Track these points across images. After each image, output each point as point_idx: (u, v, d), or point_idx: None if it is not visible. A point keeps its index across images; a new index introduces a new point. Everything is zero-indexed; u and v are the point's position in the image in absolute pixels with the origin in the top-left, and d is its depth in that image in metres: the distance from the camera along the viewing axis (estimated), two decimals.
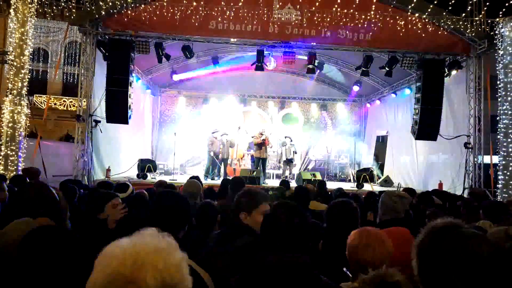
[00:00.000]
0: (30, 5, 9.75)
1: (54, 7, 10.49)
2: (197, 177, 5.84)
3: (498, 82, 9.83)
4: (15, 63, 9.63)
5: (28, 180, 4.73)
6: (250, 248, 1.89)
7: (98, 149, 10.72)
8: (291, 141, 13.62)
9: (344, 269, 2.07)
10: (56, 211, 2.21)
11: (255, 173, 11.57)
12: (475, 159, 10.30)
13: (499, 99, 9.80)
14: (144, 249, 0.93)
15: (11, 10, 9.82)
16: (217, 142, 12.85)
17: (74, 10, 10.20)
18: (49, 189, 2.27)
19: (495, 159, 10.12)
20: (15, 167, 9.51)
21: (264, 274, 1.05)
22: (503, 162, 9.57)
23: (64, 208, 2.36)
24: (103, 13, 9.77)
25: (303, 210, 2.04)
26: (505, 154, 9.55)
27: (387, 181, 13.11)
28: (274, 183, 11.56)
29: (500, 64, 9.77)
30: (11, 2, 9.77)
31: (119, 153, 12.41)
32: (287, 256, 1.77)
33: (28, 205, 2.16)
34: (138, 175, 11.60)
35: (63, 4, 10.18)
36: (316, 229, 2.93)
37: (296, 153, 13.67)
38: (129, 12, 9.79)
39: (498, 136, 9.77)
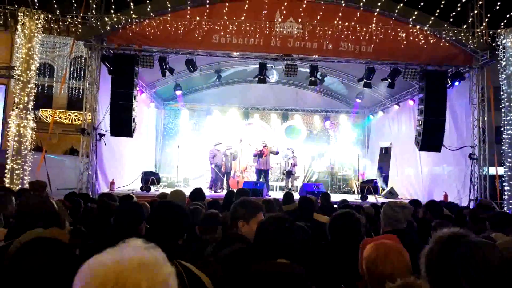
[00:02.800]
0: (37, 21, 9.94)
1: (60, 23, 10.67)
2: (200, 189, 5.85)
3: (501, 93, 9.84)
4: (21, 78, 9.78)
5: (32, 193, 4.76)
6: (238, 255, 1.94)
7: (102, 162, 10.77)
8: (293, 153, 13.63)
9: (342, 286, 2.07)
10: (55, 223, 2.23)
11: (258, 185, 11.56)
12: (481, 171, 10.22)
13: (502, 110, 9.79)
14: (127, 266, 0.85)
15: (18, 26, 10.00)
16: (219, 154, 12.88)
17: (79, 26, 10.37)
18: (49, 202, 2.30)
19: (501, 170, 10.05)
20: (20, 181, 9.57)
21: (259, 281, 1.08)
22: (509, 173, 9.52)
23: (64, 219, 2.38)
24: (108, 28, 9.93)
25: (293, 220, 2.10)
26: (510, 165, 9.50)
27: (392, 193, 13.02)
28: (278, 195, 11.53)
29: (503, 75, 9.79)
30: (19, 18, 9.96)
31: (123, 166, 12.45)
32: (281, 265, 1.80)
33: (28, 218, 2.18)
34: (141, 188, 11.61)
35: (69, 20, 10.36)
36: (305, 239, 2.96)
37: (296, 165, 13.66)
38: (133, 27, 9.93)
39: (503, 147, 9.73)
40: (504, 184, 9.73)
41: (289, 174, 13.45)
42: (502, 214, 4.78)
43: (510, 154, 9.53)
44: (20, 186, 9.50)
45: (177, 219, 2.16)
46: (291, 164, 13.44)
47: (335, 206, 6.48)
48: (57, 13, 10.28)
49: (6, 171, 9.62)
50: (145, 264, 0.87)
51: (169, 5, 9.80)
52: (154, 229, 2.16)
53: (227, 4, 9.92)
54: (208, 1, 9.92)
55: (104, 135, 10.39)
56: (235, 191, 6.86)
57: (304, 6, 10.08)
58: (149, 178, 11.79)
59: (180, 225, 2.16)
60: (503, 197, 9.72)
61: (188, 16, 9.83)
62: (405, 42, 10.02)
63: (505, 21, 9.82)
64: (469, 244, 1.28)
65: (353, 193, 14.58)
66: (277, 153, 13.36)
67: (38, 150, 11.57)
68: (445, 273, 1.27)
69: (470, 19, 10.32)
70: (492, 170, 10.61)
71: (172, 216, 2.15)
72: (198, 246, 2.83)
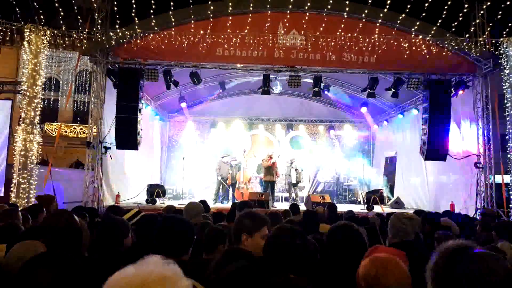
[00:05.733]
0: (43, 37, 10.08)
1: (66, 38, 10.83)
2: (204, 201, 5.86)
3: (505, 101, 9.82)
4: (28, 93, 9.88)
5: (44, 209, 4.79)
6: (242, 273, 1.89)
7: (108, 175, 10.81)
8: (291, 163, 13.65)
9: None
10: (78, 241, 2.24)
11: (264, 196, 11.53)
12: (487, 179, 10.16)
13: (507, 118, 9.76)
14: (149, 279, 0.93)
15: (25, 42, 10.15)
16: (225, 166, 12.90)
17: (85, 41, 10.52)
18: (75, 219, 2.31)
19: (507, 178, 9.98)
20: (27, 195, 9.61)
21: None
22: None
23: (86, 236, 2.40)
24: (113, 43, 10.06)
25: (304, 233, 2.03)
26: None
27: (398, 203, 12.95)
28: (283, 206, 11.49)
29: (506, 83, 9.79)
30: (25, 34, 10.11)
31: (128, 178, 12.48)
32: (290, 280, 1.77)
33: (55, 234, 2.19)
34: (147, 200, 11.63)
35: (74, 35, 10.51)
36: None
37: (302, 170, 13.63)
38: (138, 41, 10.06)
39: (509, 155, 9.68)
40: (510, 192, 9.65)
41: (296, 184, 13.42)
42: (507, 223, 4.75)
43: None
44: (26, 200, 9.54)
45: (181, 235, 2.11)
46: (301, 170, 13.42)
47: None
48: (63, 28, 10.42)
49: (12, 185, 9.68)
50: (165, 277, 0.95)
51: (173, 19, 9.93)
52: (158, 244, 2.11)
53: (230, 18, 10.05)
54: (212, 15, 10.05)
55: (109, 148, 10.45)
56: (237, 202, 6.87)
57: (307, 18, 10.18)
58: (155, 191, 11.80)
59: (185, 241, 2.12)
60: (510, 205, 9.64)
61: (192, 30, 9.96)
62: (408, 51, 10.07)
63: (507, 29, 9.86)
64: (476, 256, 1.28)
65: (359, 203, 14.50)
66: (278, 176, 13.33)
67: (44, 164, 11.64)
68: (451, 286, 1.27)
69: (472, 28, 10.36)
70: (498, 179, 10.53)
71: (176, 232, 2.11)
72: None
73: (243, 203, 5.77)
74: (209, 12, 10.00)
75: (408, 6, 9.82)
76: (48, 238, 2.14)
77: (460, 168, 10.78)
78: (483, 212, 8.66)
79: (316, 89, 11.34)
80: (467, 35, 10.29)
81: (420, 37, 10.11)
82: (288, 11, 10.19)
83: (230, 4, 10.04)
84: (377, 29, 10.11)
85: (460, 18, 9.94)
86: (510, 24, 9.67)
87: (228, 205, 11.49)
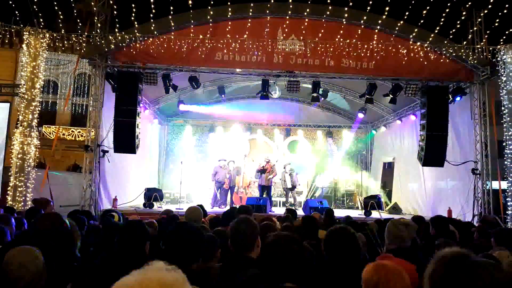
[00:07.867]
0: (42, 40, 10.08)
1: (65, 41, 10.83)
2: (201, 206, 5.85)
3: (502, 108, 9.88)
4: (26, 96, 9.86)
5: (42, 211, 4.77)
6: (254, 281, 1.87)
7: (105, 179, 10.77)
8: (285, 168, 13.64)
9: None
10: (68, 242, 2.23)
11: (261, 201, 11.53)
12: (484, 185, 10.19)
13: (504, 125, 9.82)
14: (149, 285, 0.92)
15: (24, 45, 10.14)
16: (222, 171, 12.89)
17: (84, 44, 10.52)
18: (62, 220, 2.30)
19: (504, 184, 10.01)
20: (23, 198, 9.57)
21: None
22: None
23: (76, 238, 2.39)
24: (112, 46, 10.07)
25: (301, 240, 2.02)
26: None
27: (396, 208, 12.95)
28: (281, 210, 11.47)
29: (503, 90, 9.85)
30: (24, 37, 10.10)
31: (126, 182, 12.45)
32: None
33: (41, 236, 2.19)
34: (144, 205, 11.59)
35: (74, 38, 10.52)
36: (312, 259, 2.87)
37: (295, 174, 13.62)
38: (137, 45, 10.08)
39: (506, 162, 9.71)
40: (507, 199, 9.68)
41: (293, 188, 13.41)
42: (507, 230, 4.73)
43: None
44: (22, 203, 9.50)
45: (193, 243, 2.08)
46: (296, 174, 13.41)
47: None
48: (62, 31, 10.43)
49: (9, 188, 9.64)
50: (165, 284, 0.94)
51: (173, 24, 9.96)
52: (168, 251, 2.09)
53: (230, 22, 10.09)
54: (211, 20, 10.09)
55: (107, 151, 10.42)
56: (237, 207, 6.86)
57: (306, 23, 10.23)
58: (152, 195, 11.77)
59: (196, 250, 2.09)
60: (507, 212, 9.66)
61: (191, 34, 9.98)
62: (406, 58, 10.13)
63: (504, 37, 9.95)
64: (475, 265, 1.28)
65: (357, 208, 14.50)
66: (275, 175, 13.26)
67: (41, 167, 11.59)
68: None
69: (470, 36, 10.44)
70: (495, 185, 10.57)
71: (189, 240, 2.08)
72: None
73: (243, 208, 5.76)
74: (208, 17, 10.04)
75: (407, 13, 9.90)
76: (41, 241, 2.12)
77: (457, 174, 10.81)
78: (482, 219, 8.67)
79: (315, 95, 11.37)
80: (465, 42, 10.37)
81: (418, 44, 10.17)
82: (287, 17, 10.23)
83: (230, 9, 10.08)
84: (375, 36, 10.16)
85: (458, 26, 10.00)
86: (507, 32, 9.75)
87: (226, 209, 11.47)
